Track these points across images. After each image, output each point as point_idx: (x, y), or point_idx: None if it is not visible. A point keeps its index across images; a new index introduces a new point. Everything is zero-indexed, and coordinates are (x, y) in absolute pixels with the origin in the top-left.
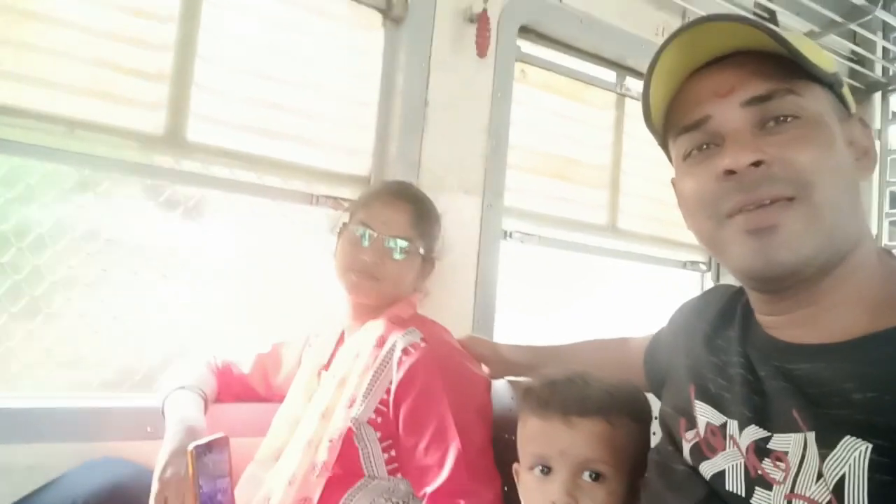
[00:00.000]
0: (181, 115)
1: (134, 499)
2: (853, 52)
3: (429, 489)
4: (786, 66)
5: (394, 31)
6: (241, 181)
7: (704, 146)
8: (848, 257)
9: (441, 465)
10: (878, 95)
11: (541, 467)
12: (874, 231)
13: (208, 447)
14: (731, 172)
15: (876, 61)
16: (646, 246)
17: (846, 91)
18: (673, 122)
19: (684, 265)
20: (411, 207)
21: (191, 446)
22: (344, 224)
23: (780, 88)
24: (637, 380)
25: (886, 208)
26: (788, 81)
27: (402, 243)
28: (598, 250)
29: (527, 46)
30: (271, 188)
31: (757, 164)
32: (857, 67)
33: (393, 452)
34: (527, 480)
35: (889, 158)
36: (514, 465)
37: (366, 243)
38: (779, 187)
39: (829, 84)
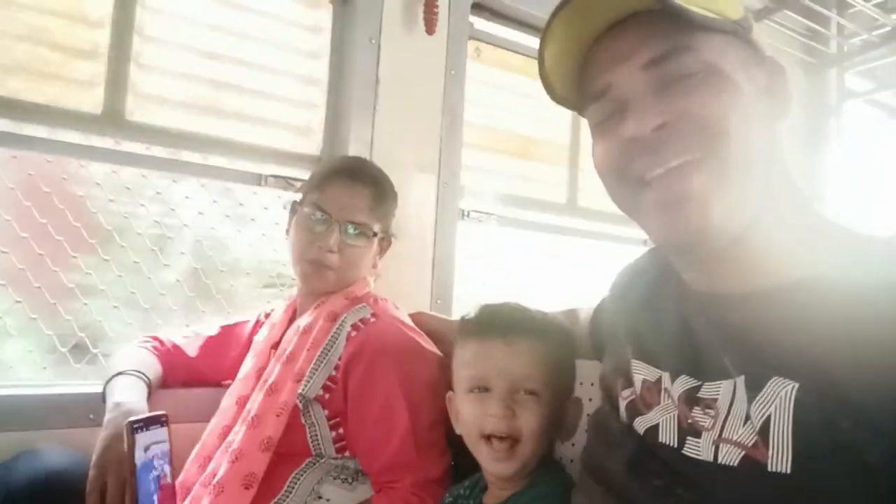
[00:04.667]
0: (119, 93)
1: (72, 486)
2: (807, 28)
3: (376, 464)
4: (685, 21)
5: (341, 6)
6: (186, 161)
7: (613, 114)
8: (770, 207)
9: (388, 440)
10: (833, 73)
11: (479, 388)
12: None
13: (146, 423)
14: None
15: (830, 37)
16: (606, 224)
17: (756, 35)
18: (582, 92)
19: (644, 242)
20: (370, 190)
21: (126, 421)
22: (296, 203)
23: (676, 47)
24: (585, 349)
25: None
26: (686, 38)
27: (361, 229)
28: (558, 229)
29: (480, 24)
30: (217, 168)
31: (660, 127)
32: (812, 43)
33: (341, 430)
34: (464, 402)
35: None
36: (448, 394)
37: (321, 229)
38: (684, 146)
39: (734, 32)
